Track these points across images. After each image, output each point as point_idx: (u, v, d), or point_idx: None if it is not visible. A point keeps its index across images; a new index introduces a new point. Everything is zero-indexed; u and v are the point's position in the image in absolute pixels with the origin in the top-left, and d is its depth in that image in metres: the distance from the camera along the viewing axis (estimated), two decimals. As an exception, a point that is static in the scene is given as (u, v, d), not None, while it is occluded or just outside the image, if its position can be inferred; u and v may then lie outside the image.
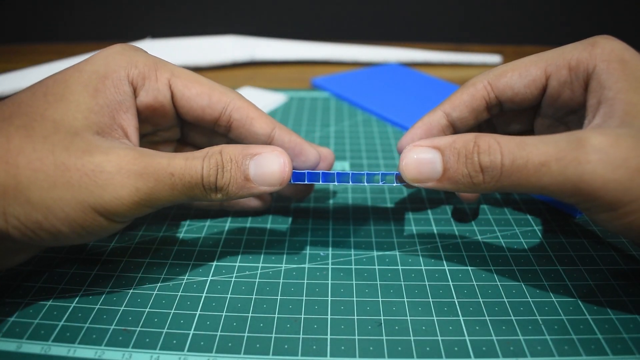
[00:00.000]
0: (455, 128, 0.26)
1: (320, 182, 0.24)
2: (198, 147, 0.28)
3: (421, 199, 0.32)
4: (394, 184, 0.23)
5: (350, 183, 0.24)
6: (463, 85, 0.26)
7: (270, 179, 0.22)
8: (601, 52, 0.22)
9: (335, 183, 0.24)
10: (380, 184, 0.23)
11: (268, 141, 0.26)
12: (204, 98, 0.24)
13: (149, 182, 0.20)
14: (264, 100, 0.49)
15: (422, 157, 0.21)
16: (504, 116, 0.27)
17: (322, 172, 0.24)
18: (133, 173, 0.20)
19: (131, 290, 0.24)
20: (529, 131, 0.28)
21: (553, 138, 0.19)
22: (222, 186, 0.22)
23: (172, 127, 0.26)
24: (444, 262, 0.26)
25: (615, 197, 0.18)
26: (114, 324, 0.22)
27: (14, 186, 0.19)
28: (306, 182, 0.23)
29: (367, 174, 0.23)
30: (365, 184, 0.24)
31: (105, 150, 0.20)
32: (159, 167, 0.20)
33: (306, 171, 0.24)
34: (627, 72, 0.21)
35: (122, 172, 0.20)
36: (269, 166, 0.22)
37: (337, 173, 0.24)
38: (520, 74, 0.24)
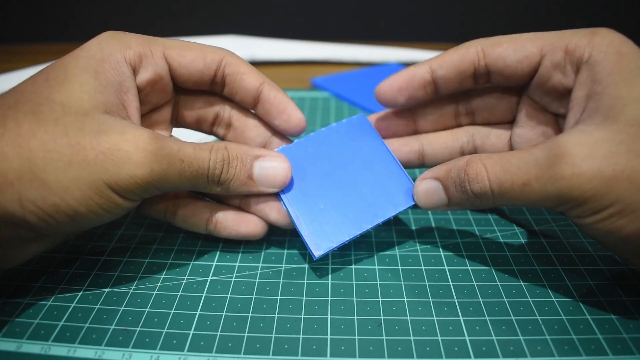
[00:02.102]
0: (437, 87, 0.26)
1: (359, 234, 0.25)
2: (188, 126, 0.29)
3: (421, 199, 0.32)
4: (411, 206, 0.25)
5: (381, 224, 0.25)
6: (456, 46, 0.26)
7: (274, 181, 0.24)
8: (600, 42, 0.22)
9: (370, 230, 0.25)
10: (403, 209, 0.25)
11: (256, 95, 0.27)
12: (199, 62, 0.25)
13: (163, 164, 0.21)
14: None
15: (427, 188, 0.24)
16: (487, 98, 0.27)
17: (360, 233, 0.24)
18: (149, 153, 0.20)
19: (131, 290, 0.24)
20: (510, 122, 0.28)
21: (534, 155, 0.20)
22: (224, 180, 0.23)
23: (166, 104, 0.27)
24: (444, 262, 0.26)
25: (595, 203, 0.19)
26: (114, 324, 0.22)
27: (29, 169, 0.19)
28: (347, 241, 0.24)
29: (392, 216, 0.25)
30: (392, 217, 0.25)
31: (120, 130, 0.20)
32: (171, 152, 0.21)
33: (349, 239, 0.24)
34: (621, 65, 0.21)
35: (138, 151, 0.20)
36: (274, 169, 0.24)
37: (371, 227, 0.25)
38: (516, 47, 0.24)
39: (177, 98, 0.27)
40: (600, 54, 0.21)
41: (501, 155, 0.21)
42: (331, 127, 0.28)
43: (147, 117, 0.26)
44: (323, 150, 0.27)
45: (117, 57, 0.23)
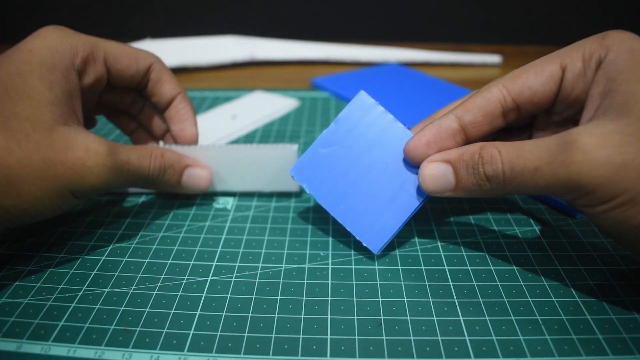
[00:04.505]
0: (467, 134, 0.25)
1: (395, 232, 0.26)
2: (109, 106, 0.32)
3: (421, 199, 0.32)
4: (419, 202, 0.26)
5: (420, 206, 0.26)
6: (475, 91, 0.25)
7: (197, 188, 0.30)
8: (611, 42, 0.22)
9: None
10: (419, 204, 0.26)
11: (169, 102, 0.31)
12: (132, 68, 0.29)
13: (115, 175, 0.25)
14: (275, 104, 0.48)
15: (436, 171, 0.24)
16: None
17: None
18: (106, 168, 0.24)
19: (131, 290, 0.24)
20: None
21: (546, 142, 0.21)
22: (159, 183, 0.29)
23: (95, 96, 0.30)
24: (444, 262, 0.26)
25: (604, 191, 0.19)
26: (114, 324, 0.22)
27: (6, 183, 0.22)
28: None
29: (424, 199, 0.26)
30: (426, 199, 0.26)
31: (83, 146, 0.24)
32: (122, 164, 0.25)
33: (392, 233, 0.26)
34: (634, 61, 0.21)
35: (99, 167, 0.24)
36: (199, 178, 0.30)
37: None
38: (536, 72, 0.24)
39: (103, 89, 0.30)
40: (613, 53, 0.22)
41: (514, 143, 0.22)
42: (339, 119, 0.27)
43: None
44: (341, 146, 0.27)
45: (66, 64, 0.25)
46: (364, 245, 0.26)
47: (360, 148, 0.27)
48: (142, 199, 0.32)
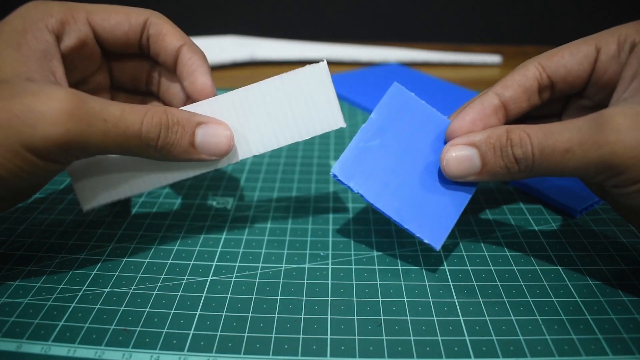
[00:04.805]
0: (507, 110, 0.25)
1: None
2: (128, 89, 0.30)
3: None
4: None
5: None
6: (512, 70, 0.25)
7: (216, 150, 0.24)
8: None
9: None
10: None
11: (176, 56, 0.27)
12: (124, 25, 0.25)
13: (81, 125, 0.20)
14: None
15: (460, 154, 0.23)
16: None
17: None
18: (64, 112, 0.20)
19: (131, 290, 0.24)
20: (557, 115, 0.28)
21: (577, 123, 0.21)
22: (163, 146, 0.23)
23: (99, 69, 0.27)
24: (444, 262, 0.26)
25: (636, 172, 0.19)
26: (114, 324, 0.22)
27: None
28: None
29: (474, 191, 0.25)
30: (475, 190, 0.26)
31: (35, 92, 0.20)
32: (92, 111, 0.20)
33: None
34: None
35: (52, 111, 0.19)
36: (216, 136, 0.24)
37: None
38: (572, 51, 0.24)
39: (109, 62, 0.28)
40: None
41: (542, 125, 0.21)
42: (376, 113, 0.26)
43: (82, 85, 0.27)
44: (384, 141, 0.25)
45: (38, 26, 0.23)
46: (425, 242, 0.24)
47: (403, 141, 0.26)
48: (142, 198, 0.32)
